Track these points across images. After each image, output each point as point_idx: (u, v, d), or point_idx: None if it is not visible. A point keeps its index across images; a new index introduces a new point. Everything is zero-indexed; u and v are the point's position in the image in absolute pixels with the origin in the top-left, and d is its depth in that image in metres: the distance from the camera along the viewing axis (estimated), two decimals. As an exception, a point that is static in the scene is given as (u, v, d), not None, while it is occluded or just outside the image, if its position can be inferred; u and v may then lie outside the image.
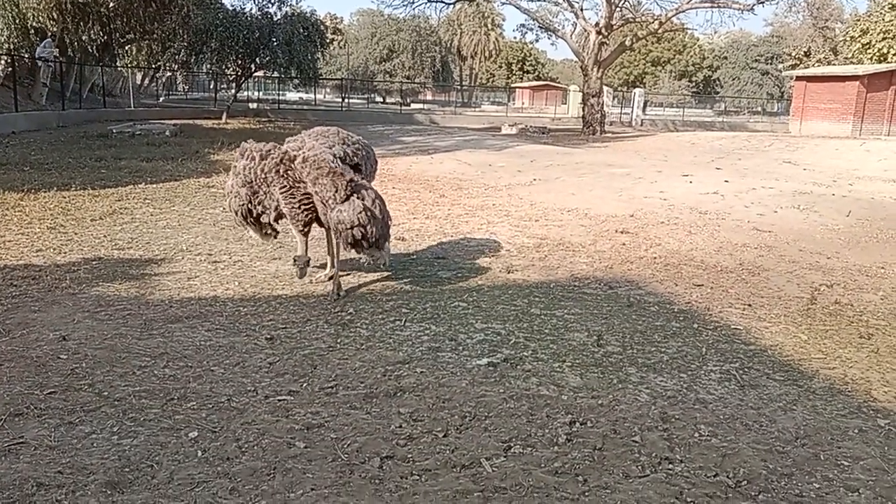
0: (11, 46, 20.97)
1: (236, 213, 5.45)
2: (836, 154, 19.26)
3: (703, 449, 3.18)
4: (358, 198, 4.99)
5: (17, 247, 6.33)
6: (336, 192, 4.95)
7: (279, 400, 3.52)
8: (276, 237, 5.63)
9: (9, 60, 20.72)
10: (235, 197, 5.36)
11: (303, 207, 5.13)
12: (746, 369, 4.16)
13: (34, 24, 20.96)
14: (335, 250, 5.39)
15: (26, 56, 21.82)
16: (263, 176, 5.17)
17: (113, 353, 4.03)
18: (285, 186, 5.11)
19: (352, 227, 4.91)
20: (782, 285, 6.06)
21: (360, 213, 4.92)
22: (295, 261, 5.31)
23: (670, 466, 3.02)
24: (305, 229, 5.27)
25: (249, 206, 5.31)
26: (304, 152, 5.15)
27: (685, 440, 3.25)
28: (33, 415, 3.26)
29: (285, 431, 3.20)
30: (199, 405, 3.43)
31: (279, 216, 5.39)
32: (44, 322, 4.48)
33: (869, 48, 41.33)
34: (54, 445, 3.00)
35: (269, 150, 5.21)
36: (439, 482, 2.84)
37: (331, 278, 5.46)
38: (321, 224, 5.32)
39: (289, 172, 5.10)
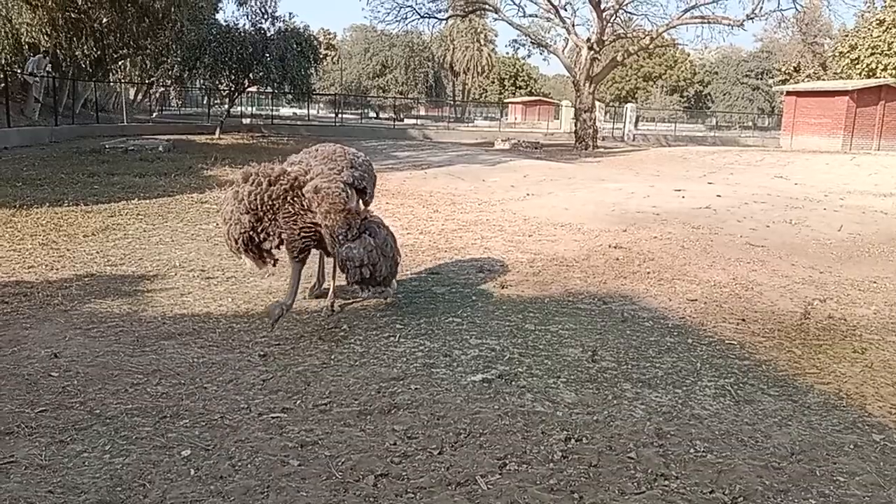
0: (4, 62, 20.97)
1: (236, 241, 4.96)
2: (826, 169, 19.41)
3: (698, 465, 3.17)
4: (370, 235, 4.89)
5: (8, 263, 6.29)
6: (349, 230, 4.83)
7: (273, 417, 3.50)
8: (274, 265, 5.25)
9: (1, 76, 20.71)
10: (236, 224, 4.91)
11: (302, 236, 4.89)
12: (741, 384, 4.15)
13: (27, 39, 20.97)
14: (332, 272, 5.33)
15: (19, 72, 21.81)
16: (271, 203, 4.80)
17: (105, 370, 4.00)
18: (289, 213, 4.83)
19: (361, 266, 4.80)
20: (776, 300, 6.07)
21: (372, 251, 4.83)
22: (272, 313, 4.70)
23: (666, 483, 3.01)
24: (300, 256, 5.04)
25: (252, 233, 4.90)
26: (314, 180, 4.84)
27: (681, 456, 3.24)
28: (24, 433, 3.23)
29: (279, 449, 3.17)
30: (192, 423, 3.40)
31: (281, 242, 5.05)
32: (35, 339, 4.44)
33: (858, 63, 41.82)
34: (45, 464, 2.97)
35: (279, 177, 4.83)
36: (434, 500, 2.82)
37: (331, 307, 5.30)
38: (324, 251, 5.21)
39: (296, 199, 4.82)
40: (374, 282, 4.92)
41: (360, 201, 5.32)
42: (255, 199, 4.78)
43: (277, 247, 5.02)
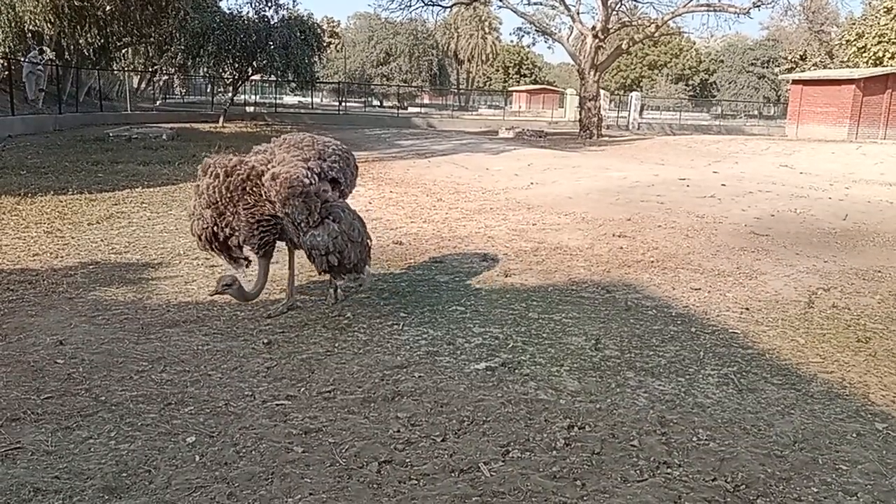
0: (7, 50, 20.94)
1: (199, 238, 4.75)
2: (832, 157, 19.33)
3: (701, 453, 3.18)
4: (334, 220, 4.60)
5: (13, 251, 6.31)
6: (309, 215, 4.51)
7: (277, 404, 3.51)
8: (248, 265, 4.94)
9: (5, 64, 20.69)
10: (199, 220, 4.71)
11: (260, 228, 4.58)
12: (744, 373, 4.16)
13: (31, 27, 20.92)
14: (292, 275, 5.07)
15: (23, 60, 21.77)
16: (229, 195, 4.53)
17: (110, 357, 4.02)
18: (249, 203, 4.53)
19: (327, 254, 4.53)
20: (780, 289, 6.07)
21: (337, 237, 4.55)
22: (220, 283, 4.57)
23: (668, 471, 3.02)
24: (262, 251, 4.71)
25: (215, 228, 4.65)
26: (273, 167, 4.58)
27: (683, 444, 3.25)
28: (30, 420, 3.25)
29: (283, 436, 3.19)
30: (197, 410, 3.42)
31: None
32: (41, 326, 4.46)
33: (864, 52, 41.53)
34: (51, 450, 2.99)
35: (235, 166, 4.56)
36: (437, 487, 2.84)
37: (290, 308, 4.96)
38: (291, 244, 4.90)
39: (255, 189, 4.53)
40: (344, 269, 4.67)
41: (333, 192, 4.99)
42: (214, 192, 4.55)
43: (244, 242, 4.73)
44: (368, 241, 4.94)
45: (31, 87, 20.57)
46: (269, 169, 4.55)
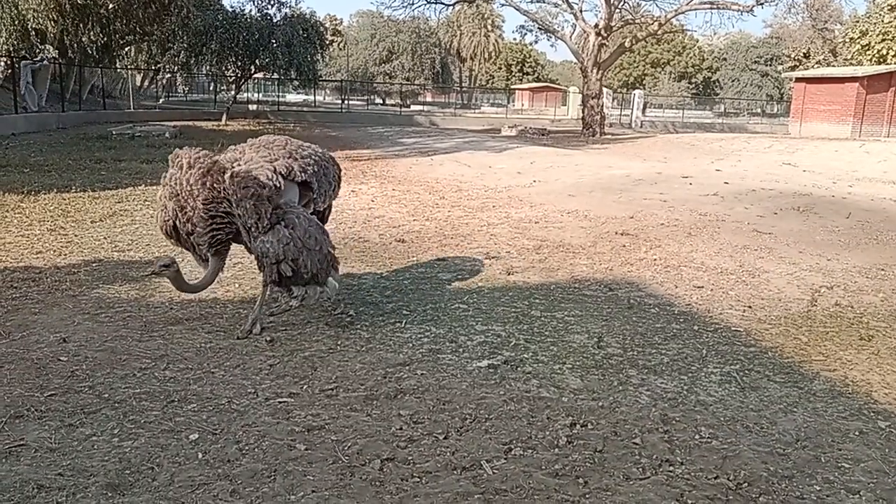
0: (11, 48, 20.97)
1: (161, 229, 4.60)
2: (835, 156, 19.28)
3: (703, 451, 3.18)
4: (286, 226, 4.27)
5: (17, 249, 6.33)
6: (259, 219, 4.22)
7: (279, 402, 3.52)
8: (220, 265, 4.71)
9: (8, 62, 20.72)
10: (162, 210, 4.51)
11: (213, 224, 4.32)
12: (747, 371, 4.16)
13: (34, 25, 20.95)
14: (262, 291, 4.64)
15: (27, 58, 21.80)
16: (189, 187, 4.30)
17: (113, 355, 4.03)
18: (208, 199, 4.28)
19: (278, 262, 4.23)
20: (782, 287, 6.06)
21: (289, 244, 4.23)
22: (156, 264, 4.30)
23: (671, 468, 3.02)
24: (212, 249, 4.45)
25: (175, 221, 4.44)
26: (236, 166, 4.39)
27: (686, 442, 3.25)
28: (34, 417, 3.26)
29: (286, 433, 3.20)
30: (200, 407, 3.43)
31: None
32: (44, 324, 4.47)
33: (868, 49, 41.38)
34: (55, 447, 3.00)
35: (197, 159, 4.38)
36: (440, 484, 2.84)
37: (251, 329, 4.50)
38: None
39: (215, 185, 4.27)
40: (301, 280, 4.31)
41: (303, 197, 4.78)
42: (175, 183, 4.38)
43: (197, 238, 4.46)
44: (330, 249, 4.53)
45: (33, 99, 20.56)
46: (233, 167, 4.38)
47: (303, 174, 4.65)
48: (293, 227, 4.29)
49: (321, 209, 5.07)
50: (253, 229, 4.25)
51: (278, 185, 4.44)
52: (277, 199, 4.38)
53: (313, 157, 4.82)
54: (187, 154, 4.42)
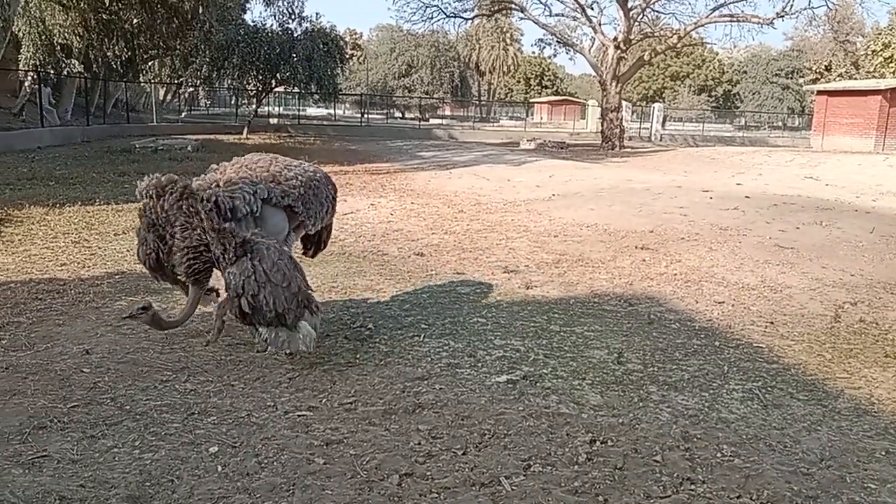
0: (38, 63, 21.37)
1: (144, 263, 4.41)
2: (858, 169, 19.07)
3: (725, 469, 3.14)
4: (251, 259, 3.95)
5: (42, 261, 6.42)
6: (225, 251, 3.98)
7: (299, 415, 3.53)
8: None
9: (35, 77, 21.10)
10: (142, 245, 4.32)
11: (188, 255, 4.09)
12: (769, 388, 4.10)
13: (60, 41, 21.36)
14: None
15: (52, 73, 22.21)
16: (165, 216, 4.12)
17: (135, 366, 4.07)
18: (185, 226, 4.08)
19: (238, 296, 3.91)
20: (805, 303, 5.99)
21: (249, 278, 3.89)
22: (132, 306, 4.25)
23: (692, 487, 2.98)
24: (191, 277, 4.22)
25: (159, 254, 4.25)
26: (214, 187, 4.18)
27: (707, 460, 3.21)
28: (56, 428, 3.29)
29: (305, 447, 3.20)
30: (220, 420, 3.45)
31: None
32: (68, 335, 4.53)
33: (891, 62, 41.01)
34: (77, 459, 3.03)
35: (166, 186, 4.15)
36: (458, 500, 2.83)
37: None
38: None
39: (191, 211, 4.07)
40: (263, 318, 3.95)
41: (295, 220, 4.58)
42: (151, 214, 4.21)
43: (176, 267, 4.28)
44: (304, 286, 4.12)
45: (53, 118, 20.88)
46: (207, 191, 4.14)
47: (286, 197, 4.40)
48: (260, 258, 3.97)
49: (312, 232, 4.90)
50: (221, 261, 4.02)
51: (254, 209, 4.22)
52: (251, 227, 4.18)
53: (300, 177, 4.54)
54: (156, 182, 4.19)
